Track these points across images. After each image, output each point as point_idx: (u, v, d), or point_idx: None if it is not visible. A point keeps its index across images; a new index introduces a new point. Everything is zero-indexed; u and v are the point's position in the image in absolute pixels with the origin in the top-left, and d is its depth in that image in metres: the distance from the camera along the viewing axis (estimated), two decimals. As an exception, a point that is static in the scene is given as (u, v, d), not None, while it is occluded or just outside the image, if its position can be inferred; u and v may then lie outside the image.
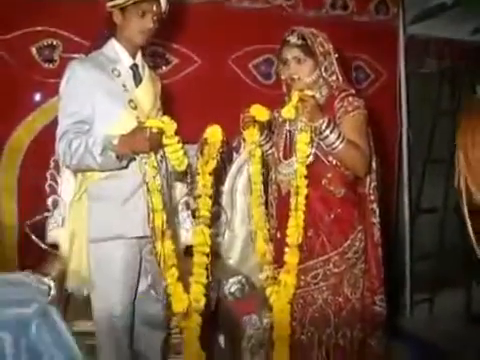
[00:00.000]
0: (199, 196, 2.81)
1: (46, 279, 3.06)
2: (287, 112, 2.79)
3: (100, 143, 2.55)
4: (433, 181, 5.29)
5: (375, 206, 3.06)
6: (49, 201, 3.59)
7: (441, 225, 5.33)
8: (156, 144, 2.58)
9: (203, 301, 2.77)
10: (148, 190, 2.60)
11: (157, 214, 2.60)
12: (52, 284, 3.05)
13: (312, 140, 2.79)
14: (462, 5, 4.83)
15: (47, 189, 3.62)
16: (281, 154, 3.02)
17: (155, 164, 2.60)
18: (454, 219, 5.42)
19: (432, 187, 5.29)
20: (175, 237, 2.77)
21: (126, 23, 2.76)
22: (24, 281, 2.12)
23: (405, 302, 4.93)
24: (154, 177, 2.60)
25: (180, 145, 2.63)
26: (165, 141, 2.60)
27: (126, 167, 2.66)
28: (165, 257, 2.64)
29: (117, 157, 2.56)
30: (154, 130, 2.54)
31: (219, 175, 2.89)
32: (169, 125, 2.57)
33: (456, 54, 5.28)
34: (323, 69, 2.92)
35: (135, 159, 2.62)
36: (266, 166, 3.09)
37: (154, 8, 2.74)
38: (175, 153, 2.63)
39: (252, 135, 2.94)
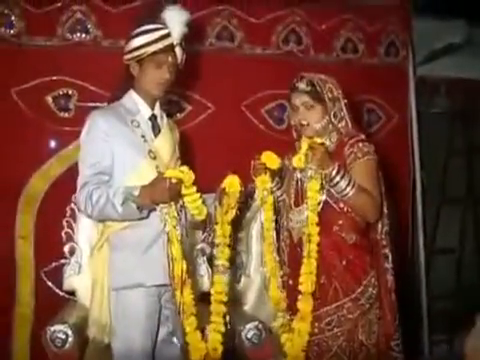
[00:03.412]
0: (217, 245, 2.83)
1: (63, 327, 3.08)
2: (297, 161, 2.81)
3: (121, 194, 2.60)
4: (448, 221, 5.30)
5: (387, 251, 3.05)
6: (66, 248, 3.62)
7: (458, 265, 5.31)
8: (175, 194, 2.62)
9: (220, 349, 2.76)
10: (168, 240, 2.62)
11: (177, 263, 2.61)
12: (69, 332, 3.07)
13: (322, 187, 2.80)
14: (471, 45, 4.88)
15: (64, 236, 3.65)
16: (292, 201, 3.02)
17: (175, 214, 2.63)
18: (471, 259, 5.42)
19: (447, 227, 5.29)
20: (194, 285, 2.78)
21: (143, 75, 2.82)
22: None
23: (424, 343, 4.89)
24: (174, 227, 2.62)
25: (198, 195, 2.67)
26: (184, 191, 2.64)
27: (147, 217, 2.69)
28: (184, 306, 2.65)
29: (138, 207, 2.60)
30: (173, 180, 2.58)
31: (235, 221, 2.90)
32: (188, 175, 2.61)
33: (467, 93, 5.31)
34: (332, 115, 2.93)
35: (155, 209, 2.65)
36: (278, 212, 3.10)
37: (170, 59, 2.79)
38: (194, 202, 2.68)
39: (264, 182, 2.95)
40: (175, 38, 2.79)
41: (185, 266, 2.64)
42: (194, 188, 2.64)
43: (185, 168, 2.63)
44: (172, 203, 2.62)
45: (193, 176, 2.62)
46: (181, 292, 2.63)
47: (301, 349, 2.83)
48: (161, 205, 2.61)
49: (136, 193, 2.58)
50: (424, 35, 4.82)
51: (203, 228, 3.19)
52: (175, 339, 2.90)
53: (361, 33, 4.53)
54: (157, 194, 2.58)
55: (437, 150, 5.23)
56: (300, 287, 2.81)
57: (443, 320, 5.05)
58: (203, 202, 2.71)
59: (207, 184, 2.79)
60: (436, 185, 5.24)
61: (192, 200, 2.66)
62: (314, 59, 4.39)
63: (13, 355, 3.81)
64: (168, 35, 2.77)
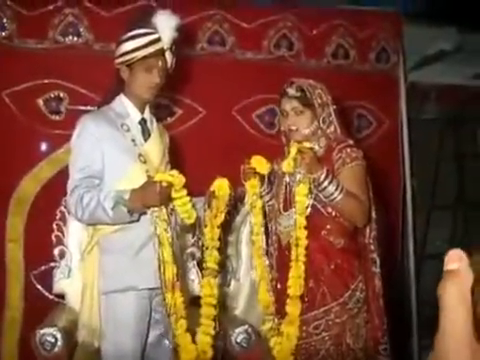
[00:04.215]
0: (206, 248, 2.84)
1: (53, 330, 3.08)
2: (287, 165, 2.82)
3: (112, 198, 2.60)
4: (438, 227, 5.31)
5: (375, 256, 3.06)
6: (56, 251, 3.62)
7: (447, 271, 5.31)
8: (166, 198, 2.62)
9: (210, 352, 2.77)
10: (159, 243, 2.62)
11: (168, 266, 2.62)
12: (59, 335, 3.07)
13: (311, 192, 2.81)
14: (461, 51, 4.90)
15: (53, 239, 3.65)
16: (281, 206, 3.03)
17: (165, 217, 2.64)
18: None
19: (437, 233, 5.31)
20: (184, 288, 2.79)
21: (133, 79, 2.82)
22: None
23: (413, 348, 4.88)
24: (165, 230, 2.63)
25: (188, 198, 2.68)
26: (174, 195, 2.64)
27: (137, 220, 2.70)
28: (175, 308, 2.65)
29: (128, 211, 2.60)
30: (164, 184, 2.58)
31: (225, 225, 2.91)
32: (178, 179, 2.62)
33: (457, 99, 5.32)
34: (321, 120, 2.94)
35: (146, 213, 2.66)
36: (267, 217, 3.11)
37: (160, 63, 2.80)
38: (184, 206, 2.69)
39: (253, 186, 2.94)
40: (165, 43, 2.79)
41: (175, 269, 2.65)
42: (184, 192, 2.65)
43: (175, 172, 2.64)
44: (162, 207, 2.63)
45: (183, 180, 2.63)
46: (172, 295, 2.63)
47: (290, 353, 2.84)
48: (152, 208, 2.62)
49: (126, 197, 2.59)
50: (415, 41, 4.83)
51: (193, 232, 3.20)
52: (166, 341, 2.90)
53: (352, 39, 4.53)
54: (148, 198, 2.59)
55: (427, 156, 5.25)
56: (288, 291, 2.82)
57: (431, 326, 5.04)
58: (193, 206, 2.71)
59: (197, 188, 2.80)
60: (426, 191, 5.26)
61: (182, 203, 2.67)
62: (305, 64, 4.39)
63: (1, 359, 3.80)
64: (158, 40, 2.77)
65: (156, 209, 2.62)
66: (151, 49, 2.76)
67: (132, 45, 2.76)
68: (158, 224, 2.63)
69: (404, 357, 4.60)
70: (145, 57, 2.76)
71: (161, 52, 2.80)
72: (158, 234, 2.63)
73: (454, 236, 5.45)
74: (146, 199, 2.59)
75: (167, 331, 2.88)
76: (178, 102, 4.12)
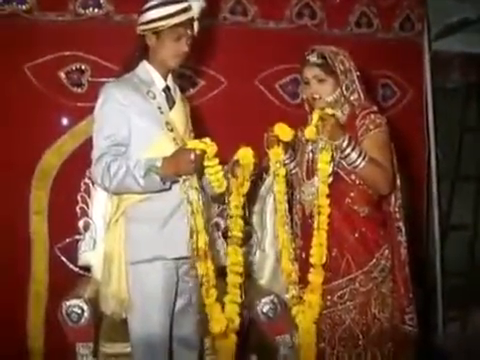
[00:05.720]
0: (231, 216, 2.84)
1: (79, 301, 3.09)
2: (309, 132, 2.79)
3: (143, 166, 2.56)
4: (462, 197, 5.27)
5: (401, 224, 3.04)
6: (80, 224, 3.63)
7: (472, 242, 5.29)
8: (199, 166, 2.60)
9: (238, 321, 2.78)
10: (192, 212, 2.60)
11: (200, 235, 2.61)
12: (85, 307, 3.09)
13: (333, 159, 2.77)
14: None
15: (78, 212, 3.66)
16: (304, 174, 3.01)
17: (197, 185, 2.62)
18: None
19: (461, 203, 5.27)
20: (214, 258, 2.77)
21: (160, 46, 2.77)
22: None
23: (437, 320, 4.87)
24: (197, 198, 2.61)
25: (220, 167, 2.67)
26: (206, 163, 2.63)
27: (169, 189, 2.66)
28: (207, 278, 2.65)
29: (161, 179, 2.57)
30: (198, 152, 2.56)
31: (250, 195, 2.89)
32: (211, 147, 2.60)
33: (481, 68, 5.28)
34: (344, 87, 2.90)
35: (178, 181, 2.63)
36: (291, 185, 3.09)
37: (188, 32, 2.76)
38: (216, 175, 2.68)
39: (276, 154, 2.93)
40: (195, 12, 2.76)
41: (207, 238, 2.63)
42: (216, 160, 2.64)
43: (208, 139, 2.61)
44: (194, 174, 2.61)
45: (216, 148, 2.61)
46: (204, 264, 2.63)
47: (312, 321, 2.83)
48: (184, 177, 2.59)
49: (159, 164, 2.54)
50: (439, 10, 4.79)
51: (222, 201, 3.16)
52: (191, 311, 2.90)
53: (376, 7, 4.50)
54: (181, 166, 2.55)
55: (451, 125, 5.20)
56: (311, 259, 2.80)
57: (456, 297, 5.04)
58: (224, 175, 2.71)
59: (221, 158, 2.78)
60: (450, 161, 5.22)
61: (214, 172, 2.66)
62: (328, 33, 4.37)
63: (28, 333, 3.85)
64: (188, 8, 2.73)
65: (188, 177, 2.59)
66: (182, 17, 2.71)
67: (162, 12, 2.70)
68: (190, 192, 2.60)
69: (428, 328, 4.59)
70: (174, 25, 2.71)
71: (190, 21, 2.75)
72: (191, 202, 2.61)
73: (478, 207, 5.40)
74: (179, 167, 2.56)
75: (191, 301, 2.88)
76: (200, 73, 4.11)
